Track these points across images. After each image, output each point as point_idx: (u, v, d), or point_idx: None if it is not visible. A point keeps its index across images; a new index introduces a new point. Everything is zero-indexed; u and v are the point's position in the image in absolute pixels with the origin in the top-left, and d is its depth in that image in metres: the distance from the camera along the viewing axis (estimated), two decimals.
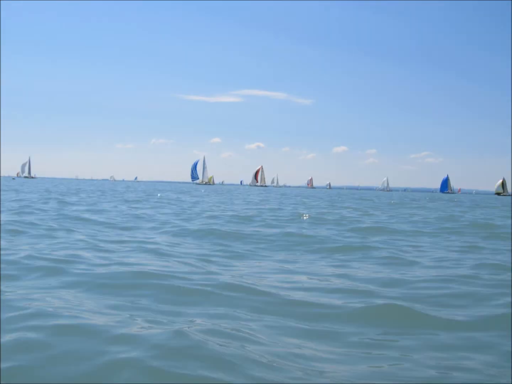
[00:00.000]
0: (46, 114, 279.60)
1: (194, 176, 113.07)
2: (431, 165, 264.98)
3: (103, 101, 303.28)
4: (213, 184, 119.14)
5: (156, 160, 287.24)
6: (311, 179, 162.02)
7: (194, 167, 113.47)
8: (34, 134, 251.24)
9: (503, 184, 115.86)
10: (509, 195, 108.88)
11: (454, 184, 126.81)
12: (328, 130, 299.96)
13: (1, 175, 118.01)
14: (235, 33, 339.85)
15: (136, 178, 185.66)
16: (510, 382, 2.87)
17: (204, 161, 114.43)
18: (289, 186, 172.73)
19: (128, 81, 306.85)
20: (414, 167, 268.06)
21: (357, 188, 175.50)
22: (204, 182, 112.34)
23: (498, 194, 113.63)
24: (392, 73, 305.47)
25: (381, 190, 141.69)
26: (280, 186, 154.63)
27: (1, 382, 2.67)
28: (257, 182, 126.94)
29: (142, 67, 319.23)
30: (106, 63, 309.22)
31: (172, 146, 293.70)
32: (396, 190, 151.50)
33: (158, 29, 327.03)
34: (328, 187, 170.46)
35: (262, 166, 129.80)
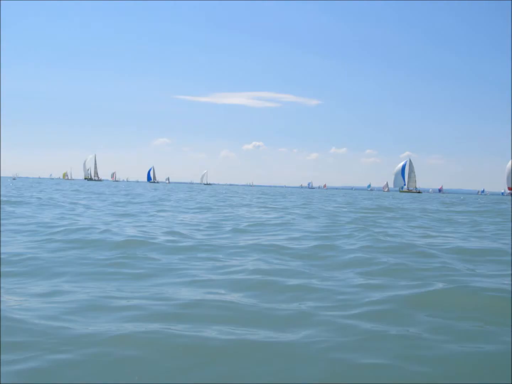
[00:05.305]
0: (46, 116, 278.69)
1: None
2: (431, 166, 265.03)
3: (103, 103, 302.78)
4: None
5: (157, 161, 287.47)
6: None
7: None
8: (32, 135, 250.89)
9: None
10: (156, 182, 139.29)
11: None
12: (328, 132, 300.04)
13: (1, 175, 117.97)
14: (244, 42, 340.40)
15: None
16: (510, 382, 2.88)
17: None
18: (130, 181, 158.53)
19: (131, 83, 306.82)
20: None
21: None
22: None
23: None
24: (394, 75, 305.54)
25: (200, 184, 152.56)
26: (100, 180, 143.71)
27: (1, 382, 2.68)
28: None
29: (146, 70, 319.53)
30: (109, 65, 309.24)
31: (171, 146, 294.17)
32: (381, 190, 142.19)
33: (165, 35, 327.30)
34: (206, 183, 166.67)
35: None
